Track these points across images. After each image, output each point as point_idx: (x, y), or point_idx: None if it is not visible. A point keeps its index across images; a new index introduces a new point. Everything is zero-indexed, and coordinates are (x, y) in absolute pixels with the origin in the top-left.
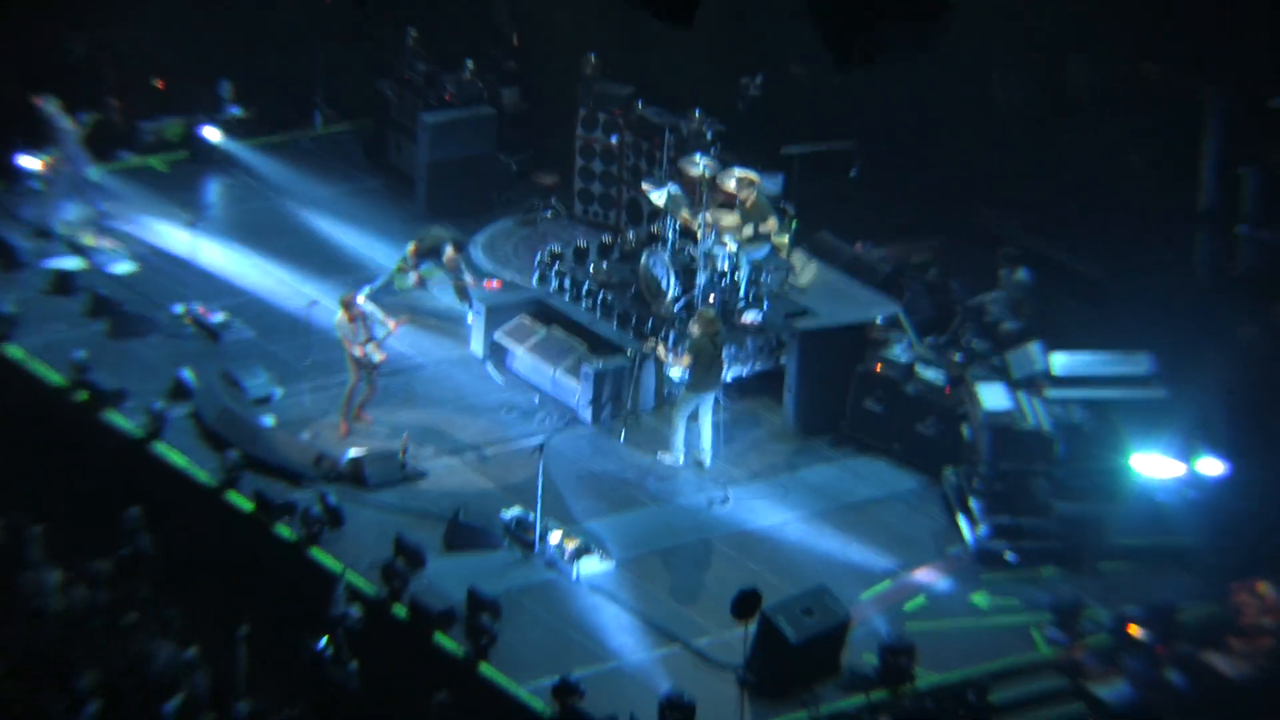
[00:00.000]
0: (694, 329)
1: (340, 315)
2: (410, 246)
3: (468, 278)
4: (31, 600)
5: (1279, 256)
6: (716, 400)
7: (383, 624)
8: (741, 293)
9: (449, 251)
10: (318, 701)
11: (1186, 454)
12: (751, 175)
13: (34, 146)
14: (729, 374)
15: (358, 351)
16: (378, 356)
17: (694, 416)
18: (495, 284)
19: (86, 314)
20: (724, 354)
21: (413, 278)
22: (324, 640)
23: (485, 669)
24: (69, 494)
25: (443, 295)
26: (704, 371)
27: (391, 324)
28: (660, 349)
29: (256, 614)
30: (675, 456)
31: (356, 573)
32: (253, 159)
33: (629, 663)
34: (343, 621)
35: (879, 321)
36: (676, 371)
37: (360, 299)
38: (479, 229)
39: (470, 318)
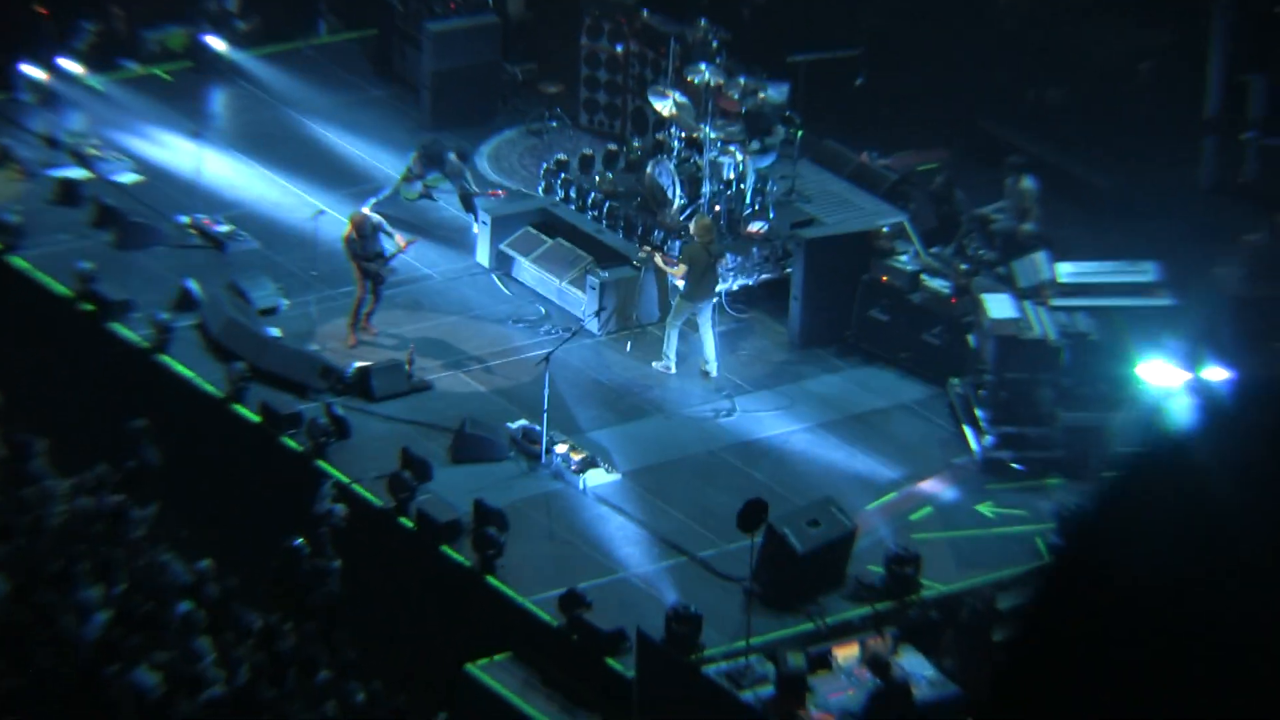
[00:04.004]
0: (691, 236)
1: (348, 229)
2: (415, 155)
3: (473, 187)
4: (34, 512)
5: None
6: (716, 309)
7: (389, 534)
8: (747, 201)
9: (454, 160)
10: (297, 599)
11: (1192, 362)
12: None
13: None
14: (735, 283)
15: (365, 265)
16: (384, 273)
17: (694, 327)
18: (500, 193)
19: (91, 224)
20: (725, 263)
21: (418, 187)
22: (300, 539)
23: (492, 580)
24: (74, 406)
25: (448, 205)
26: (698, 280)
27: (401, 241)
28: (657, 256)
29: (260, 524)
30: (667, 363)
31: (362, 485)
32: (257, 68)
33: (635, 574)
34: (327, 519)
35: (884, 230)
36: (681, 282)
37: (366, 210)
38: (484, 139)
39: (476, 228)
